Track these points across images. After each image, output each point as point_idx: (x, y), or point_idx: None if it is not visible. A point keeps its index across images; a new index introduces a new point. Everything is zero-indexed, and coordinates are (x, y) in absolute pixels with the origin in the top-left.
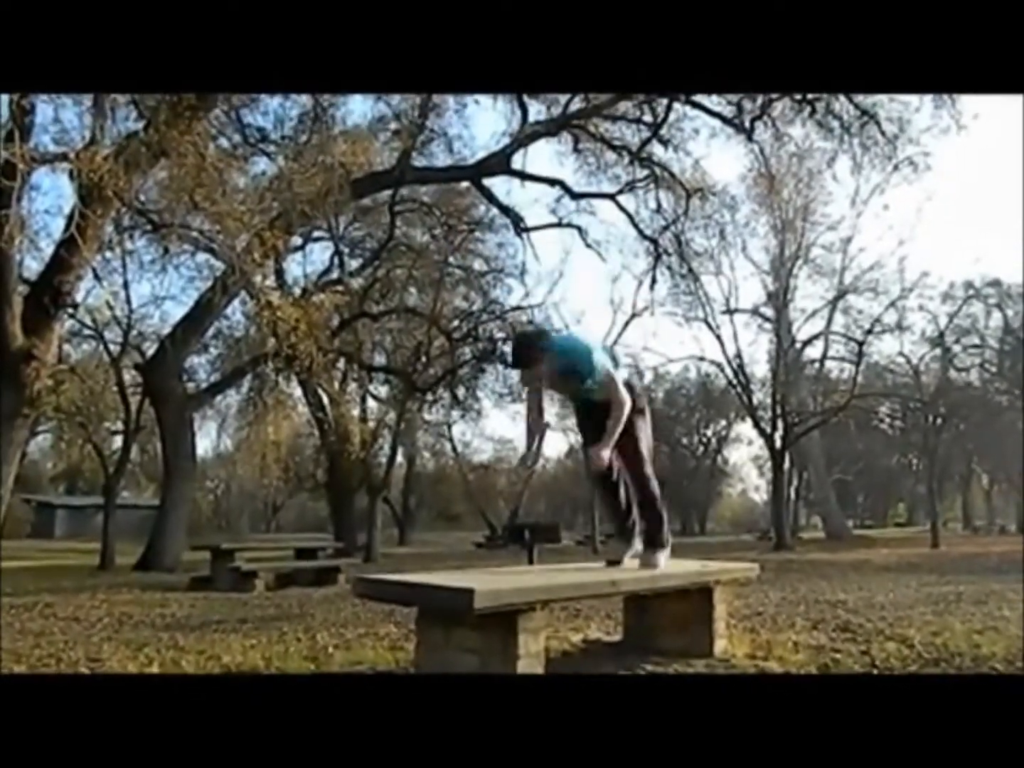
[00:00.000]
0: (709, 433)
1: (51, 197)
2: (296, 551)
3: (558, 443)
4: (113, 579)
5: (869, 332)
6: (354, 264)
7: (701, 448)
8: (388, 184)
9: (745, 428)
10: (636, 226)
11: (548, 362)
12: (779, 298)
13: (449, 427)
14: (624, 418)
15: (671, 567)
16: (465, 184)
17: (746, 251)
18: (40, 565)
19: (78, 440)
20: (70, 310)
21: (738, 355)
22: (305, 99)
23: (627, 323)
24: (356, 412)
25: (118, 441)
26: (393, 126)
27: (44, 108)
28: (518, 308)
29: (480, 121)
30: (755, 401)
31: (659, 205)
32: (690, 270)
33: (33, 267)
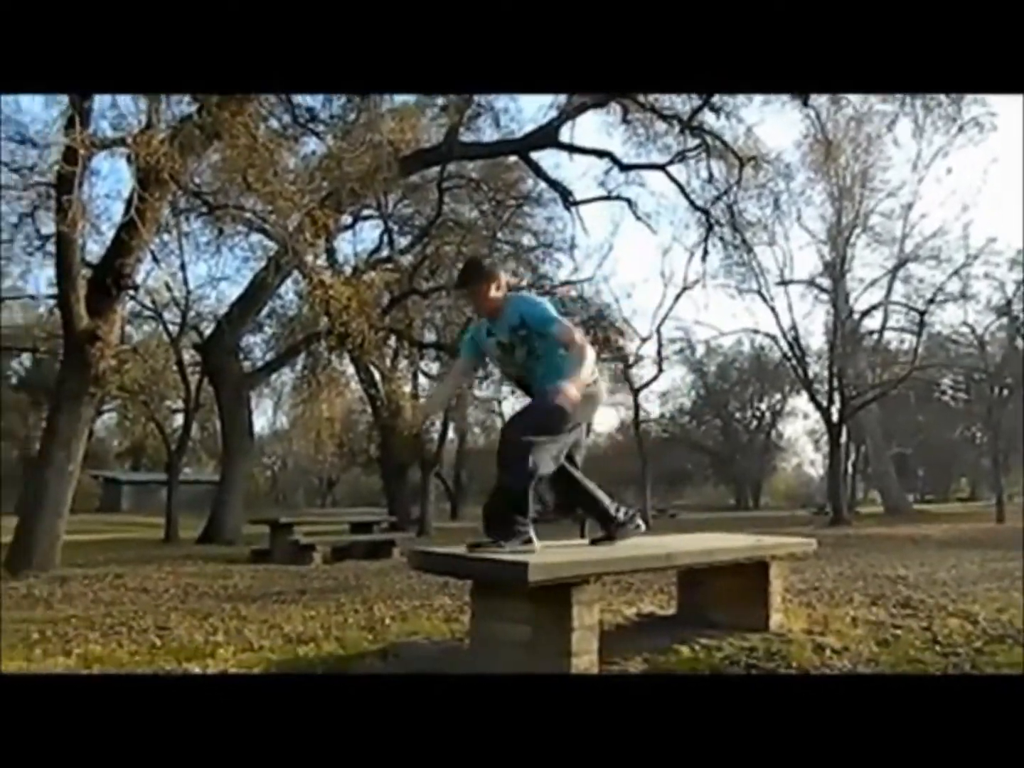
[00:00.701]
0: (763, 407)
1: (110, 182)
2: (351, 525)
3: (608, 418)
4: (177, 551)
5: (931, 301)
6: (403, 241)
7: (755, 422)
8: (436, 160)
9: (800, 401)
10: (687, 197)
11: (504, 304)
12: (836, 268)
13: (499, 403)
14: (590, 364)
15: (726, 541)
16: (513, 158)
17: (801, 220)
18: (108, 538)
19: (141, 418)
20: (131, 292)
21: (793, 327)
22: None
23: (678, 296)
24: (407, 389)
25: (179, 419)
26: (440, 102)
27: (101, 94)
28: (567, 283)
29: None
30: (811, 374)
31: (711, 175)
32: (743, 241)
33: (95, 251)
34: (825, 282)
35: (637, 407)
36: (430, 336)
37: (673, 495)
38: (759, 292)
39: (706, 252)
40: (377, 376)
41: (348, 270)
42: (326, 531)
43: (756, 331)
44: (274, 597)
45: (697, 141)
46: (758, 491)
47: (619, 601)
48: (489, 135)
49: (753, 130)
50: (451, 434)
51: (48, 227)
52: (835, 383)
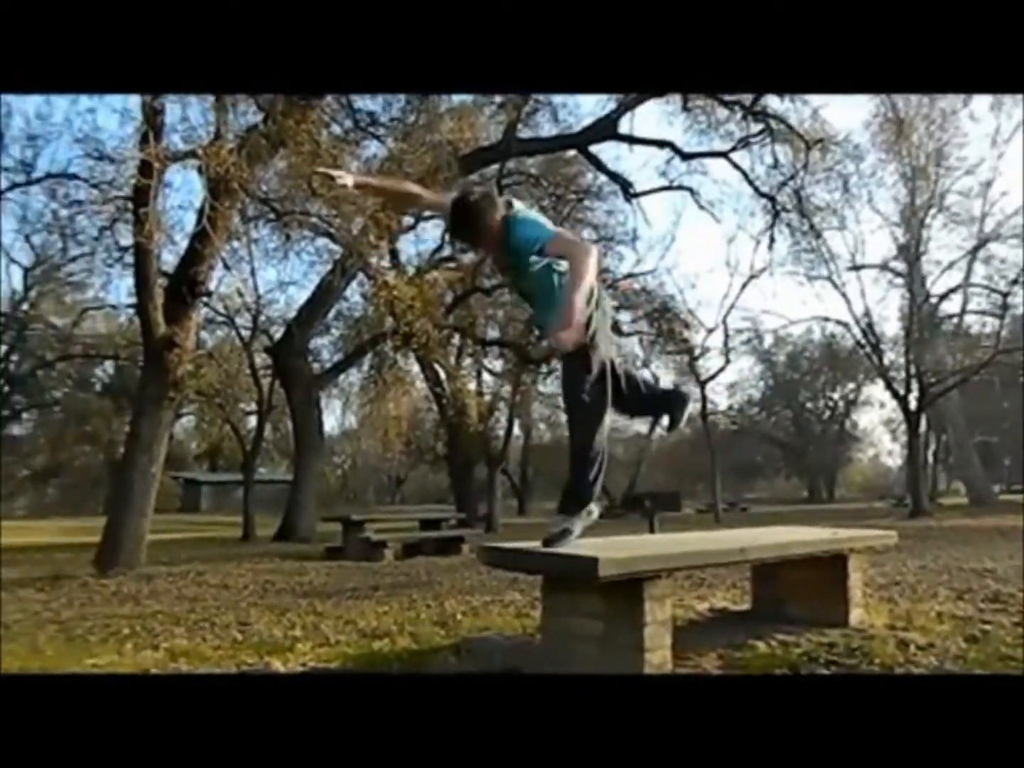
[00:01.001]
0: (836, 396)
1: (183, 193)
2: (421, 522)
3: None
4: (255, 549)
5: (1015, 282)
6: None
7: (827, 412)
8: (495, 158)
9: (876, 390)
10: (752, 183)
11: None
12: (911, 250)
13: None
14: (589, 277)
15: (801, 535)
16: (572, 153)
17: (873, 202)
18: (189, 537)
19: (217, 421)
20: (205, 299)
21: (866, 313)
22: None
23: (744, 285)
24: (472, 386)
25: (253, 420)
26: (498, 99)
27: (172, 108)
28: (630, 275)
29: None
30: (886, 361)
31: (776, 160)
32: (811, 226)
33: (170, 260)
34: (900, 266)
35: (704, 399)
36: (493, 333)
37: (744, 488)
38: (829, 278)
39: (772, 239)
40: (442, 374)
41: (411, 270)
42: (396, 528)
43: (827, 319)
44: (348, 593)
45: (761, 126)
46: (832, 483)
47: (691, 596)
48: (548, 130)
49: (819, 112)
50: (517, 430)
51: (126, 239)
52: (912, 370)
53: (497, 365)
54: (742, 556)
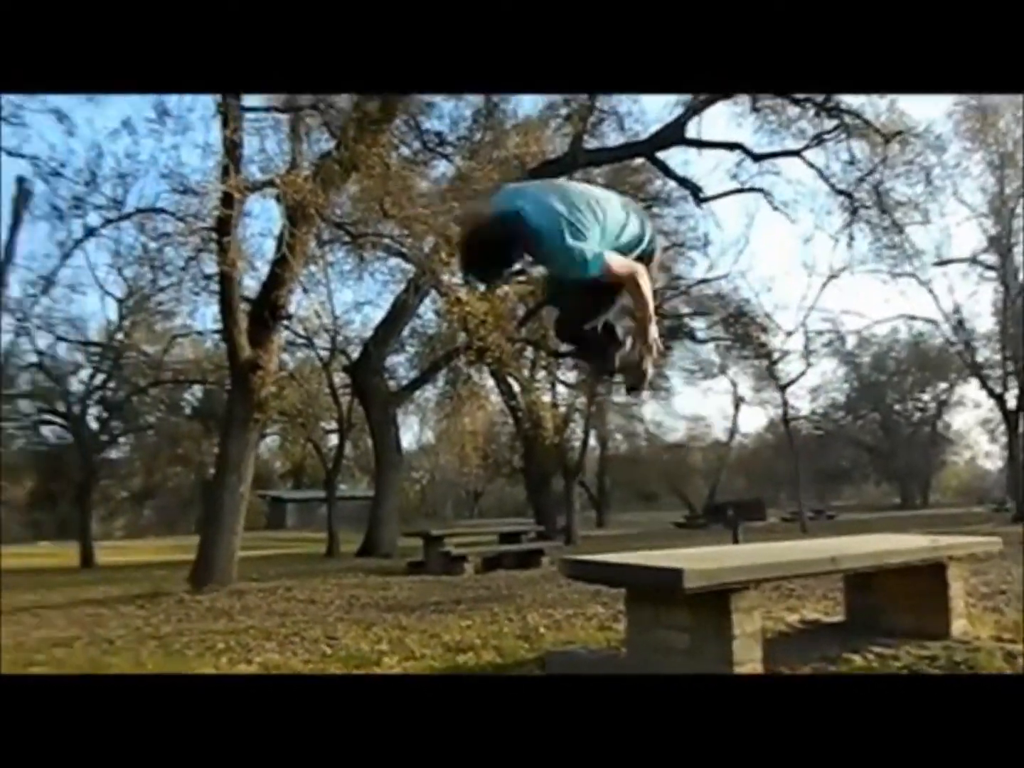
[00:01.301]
0: (926, 397)
1: (261, 220)
2: (500, 535)
3: (756, 417)
4: (339, 565)
5: None
6: None
7: (917, 414)
8: (562, 170)
9: (970, 389)
10: (828, 181)
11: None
12: (1003, 241)
13: (640, 408)
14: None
15: (896, 543)
16: (639, 160)
17: (958, 194)
18: (276, 553)
19: (300, 440)
20: (285, 322)
21: (956, 310)
22: (477, 98)
23: (824, 286)
24: (547, 398)
25: (334, 439)
26: (563, 112)
27: (249, 140)
28: (703, 281)
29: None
30: (980, 359)
31: (852, 156)
32: (893, 222)
33: (251, 286)
34: (990, 258)
35: (785, 404)
36: (566, 345)
37: (831, 495)
38: (914, 275)
39: (852, 237)
40: (516, 387)
41: (483, 286)
42: (476, 542)
43: (913, 317)
44: (431, 607)
45: (835, 122)
46: (926, 488)
47: (780, 608)
48: (614, 139)
49: (896, 103)
50: (593, 441)
51: (211, 268)
52: (1009, 367)
53: (571, 376)
54: (834, 566)
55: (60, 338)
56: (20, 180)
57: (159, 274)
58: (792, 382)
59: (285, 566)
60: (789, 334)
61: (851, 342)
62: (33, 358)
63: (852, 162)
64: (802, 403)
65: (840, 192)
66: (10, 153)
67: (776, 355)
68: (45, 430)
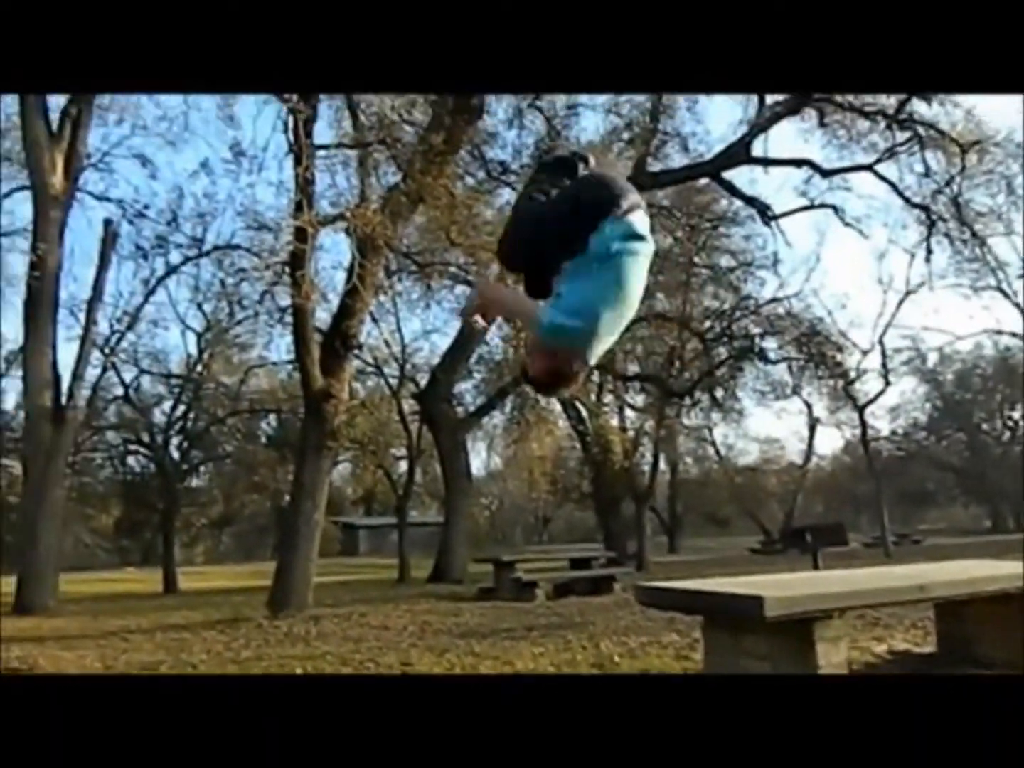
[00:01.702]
0: (1016, 415)
1: (332, 254)
2: (571, 561)
3: (833, 438)
4: (411, 591)
5: None
6: None
7: (1007, 433)
8: None
9: None
10: (902, 195)
11: None
12: None
13: (710, 430)
14: None
15: (989, 569)
16: (704, 180)
17: None
18: (349, 579)
19: (371, 467)
20: (356, 351)
21: None
22: (540, 126)
23: (901, 302)
24: (615, 422)
25: (403, 465)
26: (626, 136)
27: (321, 176)
28: (774, 300)
29: (713, 113)
30: None
31: (927, 168)
32: (973, 234)
33: (323, 317)
34: None
35: (864, 424)
36: (633, 368)
37: (915, 518)
38: (999, 288)
39: (930, 251)
40: (584, 412)
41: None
42: (546, 568)
43: (999, 331)
44: (503, 634)
45: (908, 134)
46: (1020, 510)
47: (865, 637)
48: (678, 160)
49: (973, 111)
50: (663, 465)
51: (285, 300)
52: None
53: (639, 400)
54: (923, 594)
55: (144, 371)
56: (107, 222)
57: (236, 308)
58: (870, 402)
59: (358, 592)
60: (865, 352)
61: (932, 359)
62: (120, 391)
63: (927, 174)
64: (881, 423)
65: (916, 205)
66: (98, 197)
67: (852, 374)
68: (131, 460)
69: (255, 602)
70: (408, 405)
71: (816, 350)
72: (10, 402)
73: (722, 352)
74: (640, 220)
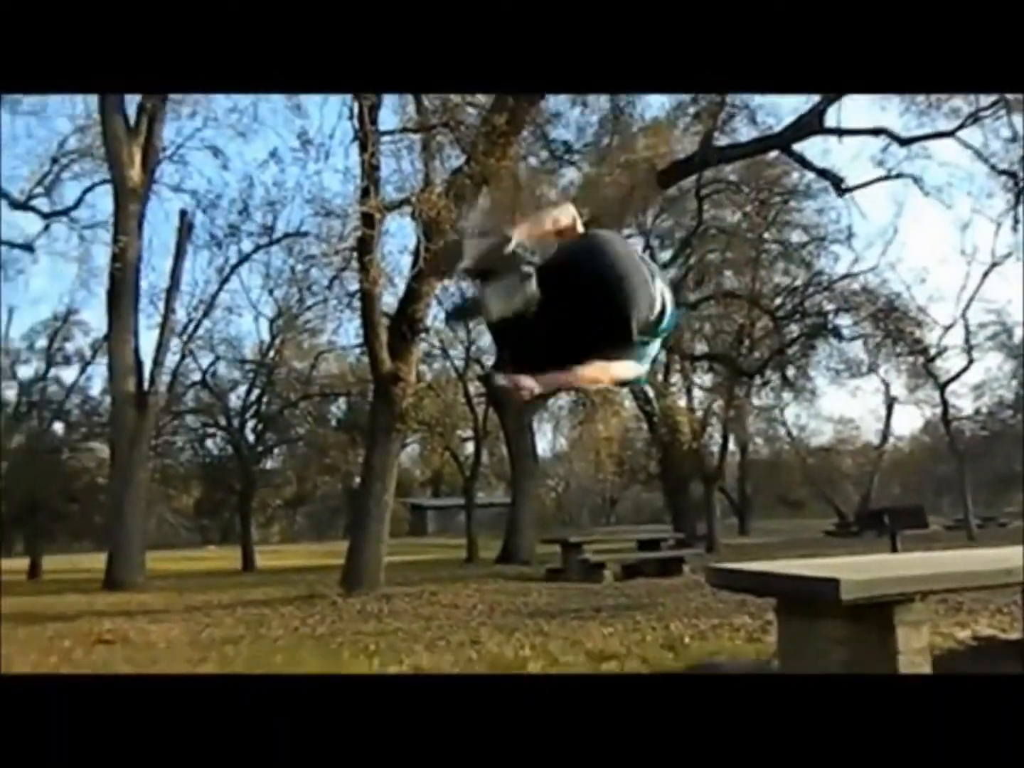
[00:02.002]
0: None
1: (398, 238)
2: (639, 542)
3: (911, 418)
4: (479, 571)
5: None
6: (665, 255)
7: None
8: (693, 170)
9: None
10: (987, 162)
11: None
12: None
13: (781, 410)
14: None
15: None
16: (774, 153)
17: None
18: (419, 559)
19: (438, 448)
20: (423, 335)
21: None
22: (604, 103)
23: (986, 274)
24: (683, 402)
25: (470, 447)
26: (692, 110)
27: (386, 161)
28: (848, 276)
29: None
30: None
31: (1015, 132)
32: None
33: (389, 301)
34: None
35: (945, 403)
36: (701, 347)
37: (1001, 501)
38: None
39: (1017, 220)
40: (651, 392)
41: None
42: (614, 549)
43: None
44: (572, 614)
45: (993, 98)
46: None
47: (947, 622)
48: (746, 134)
49: None
50: (732, 446)
51: (353, 285)
52: None
53: (707, 380)
54: (1009, 578)
55: (220, 357)
56: (183, 213)
57: (306, 294)
58: (952, 379)
59: (428, 571)
60: (947, 328)
61: (1019, 334)
62: (197, 376)
63: (1015, 139)
64: (964, 402)
65: (1002, 172)
66: (174, 189)
67: (933, 351)
68: (209, 443)
69: (329, 580)
70: (474, 387)
71: (894, 326)
72: (96, 388)
73: (794, 330)
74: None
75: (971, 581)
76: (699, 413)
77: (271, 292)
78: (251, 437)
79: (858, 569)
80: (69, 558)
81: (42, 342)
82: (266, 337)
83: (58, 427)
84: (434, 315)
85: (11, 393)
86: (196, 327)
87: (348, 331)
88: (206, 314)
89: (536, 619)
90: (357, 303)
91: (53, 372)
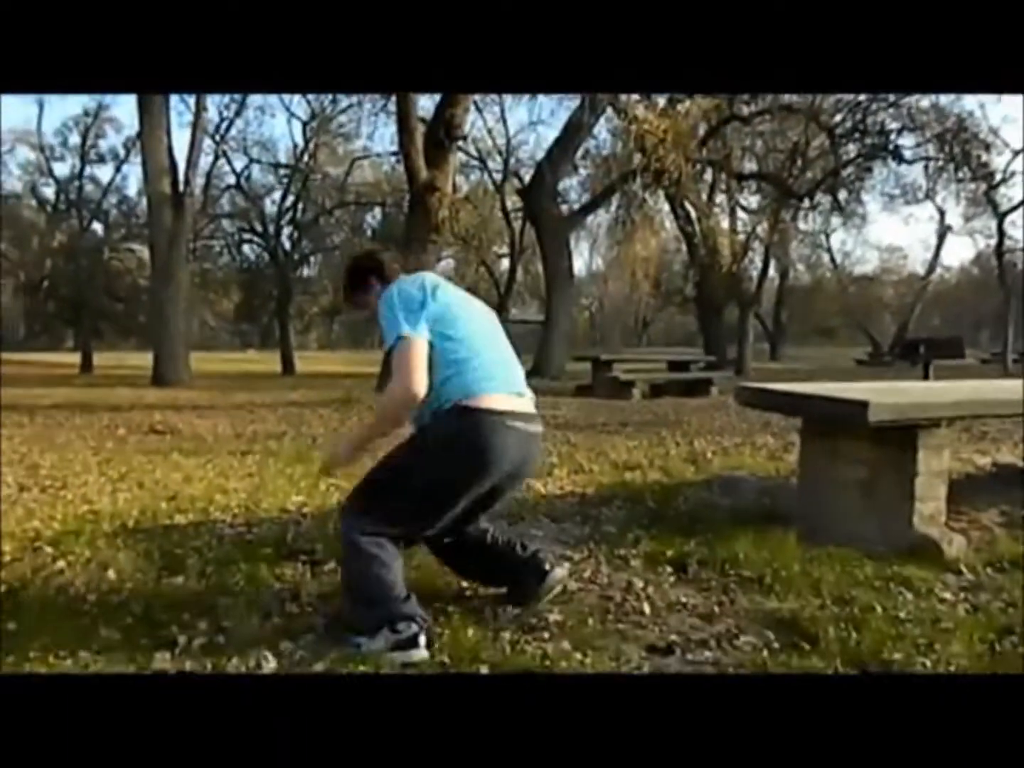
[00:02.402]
0: None
1: None
2: (669, 363)
3: (962, 249)
4: None
5: None
6: None
7: None
8: None
9: None
10: None
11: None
12: None
13: (827, 236)
14: (378, 425)
15: None
16: None
17: None
18: None
19: (473, 263)
20: (460, 143)
21: None
22: None
23: None
24: (725, 224)
25: (505, 263)
26: None
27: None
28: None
29: None
30: None
31: None
32: None
33: (427, 106)
34: None
35: (1002, 234)
36: (750, 166)
37: None
38: None
39: None
40: (693, 212)
41: (663, 101)
42: (645, 369)
43: None
44: (599, 428)
45: None
46: None
47: (969, 449)
48: None
49: None
50: (772, 271)
51: None
52: None
53: (753, 201)
54: None
55: (253, 160)
56: None
57: (339, 95)
58: (1013, 209)
59: None
60: (1016, 153)
61: None
62: (231, 179)
63: None
64: (1021, 233)
65: None
66: None
67: (998, 177)
68: (246, 249)
69: (365, 386)
70: (511, 202)
71: (960, 148)
72: (132, 188)
73: (851, 150)
74: None
75: (996, 410)
76: (741, 236)
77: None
78: (287, 244)
79: (887, 394)
80: (117, 355)
81: (75, 139)
82: (300, 140)
83: (97, 227)
84: (472, 121)
85: (49, 191)
86: (228, 127)
87: (384, 137)
88: (238, 113)
89: (564, 431)
90: (392, 107)
91: (88, 171)
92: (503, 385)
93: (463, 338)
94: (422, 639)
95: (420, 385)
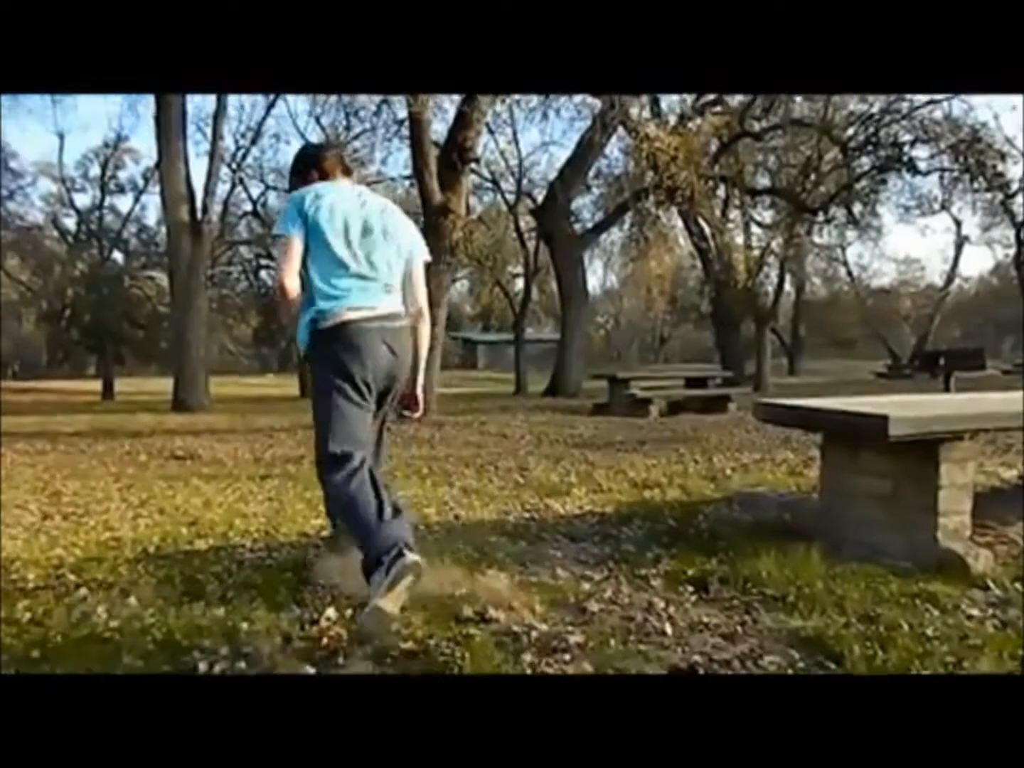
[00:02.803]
0: None
1: None
2: (686, 380)
3: (981, 259)
4: (527, 403)
5: None
6: None
7: None
8: None
9: None
10: None
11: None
12: None
13: (843, 249)
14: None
15: None
16: None
17: None
18: (468, 391)
19: (488, 283)
20: (473, 164)
21: None
22: None
23: None
24: (740, 239)
25: (520, 283)
26: None
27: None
28: (931, 102)
29: None
30: None
31: None
32: None
33: (439, 129)
34: None
35: (1020, 244)
36: (764, 181)
37: None
38: None
39: None
40: (707, 228)
41: (673, 120)
42: (662, 386)
43: None
44: (617, 446)
45: None
46: None
47: (993, 462)
48: None
49: None
50: (788, 286)
51: (401, 112)
52: None
53: (767, 216)
54: None
55: (269, 187)
56: None
57: (353, 120)
58: None
59: (477, 402)
60: None
61: None
62: (248, 207)
63: None
64: None
65: None
66: None
67: (1014, 187)
68: (263, 274)
69: None
70: (525, 222)
71: (975, 159)
72: (152, 217)
73: (864, 163)
74: None
75: (1019, 422)
76: (756, 251)
77: (318, 119)
78: None
79: (907, 407)
80: (138, 381)
81: (95, 170)
82: None
83: (118, 256)
84: (484, 143)
85: (70, 222)
86: (245, 155)
87: (397, 161)
88: (254, 141)
89: (582, 449)
90: (406, 132)
91: (108, 201)
92: (354, 304)
93: (323, 258)
94: (406, 552)
95: (290, 279)
